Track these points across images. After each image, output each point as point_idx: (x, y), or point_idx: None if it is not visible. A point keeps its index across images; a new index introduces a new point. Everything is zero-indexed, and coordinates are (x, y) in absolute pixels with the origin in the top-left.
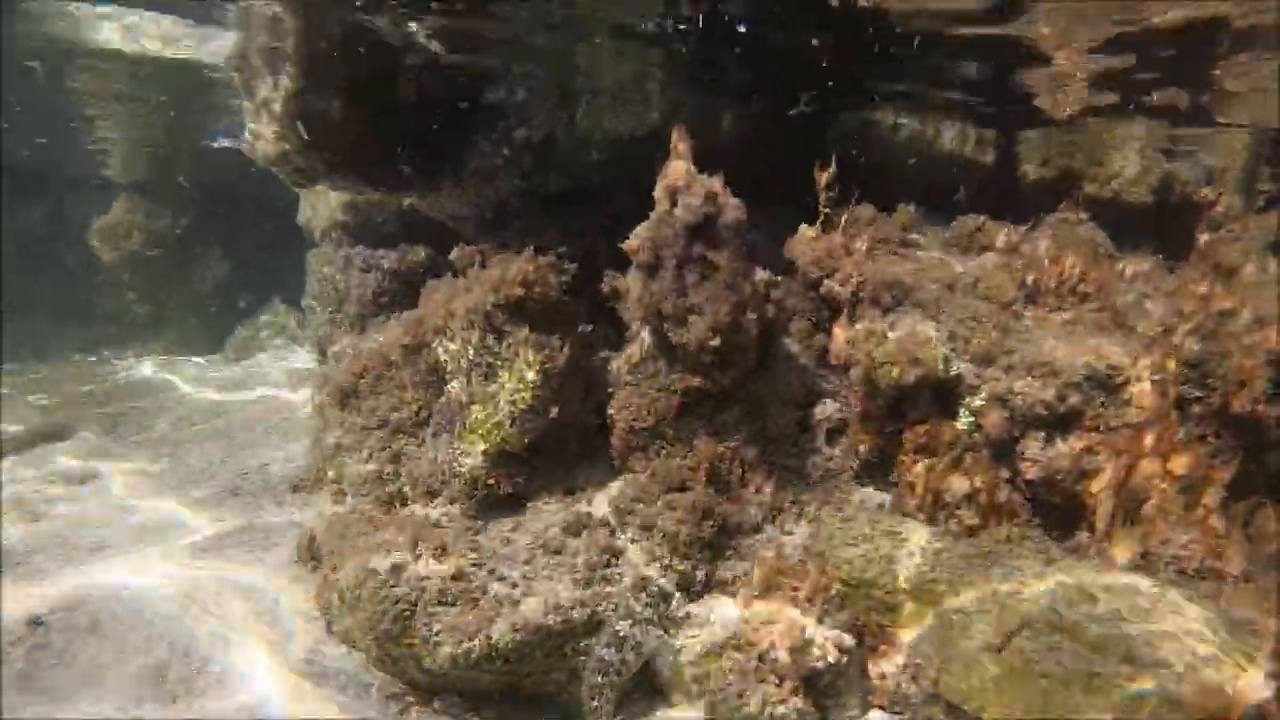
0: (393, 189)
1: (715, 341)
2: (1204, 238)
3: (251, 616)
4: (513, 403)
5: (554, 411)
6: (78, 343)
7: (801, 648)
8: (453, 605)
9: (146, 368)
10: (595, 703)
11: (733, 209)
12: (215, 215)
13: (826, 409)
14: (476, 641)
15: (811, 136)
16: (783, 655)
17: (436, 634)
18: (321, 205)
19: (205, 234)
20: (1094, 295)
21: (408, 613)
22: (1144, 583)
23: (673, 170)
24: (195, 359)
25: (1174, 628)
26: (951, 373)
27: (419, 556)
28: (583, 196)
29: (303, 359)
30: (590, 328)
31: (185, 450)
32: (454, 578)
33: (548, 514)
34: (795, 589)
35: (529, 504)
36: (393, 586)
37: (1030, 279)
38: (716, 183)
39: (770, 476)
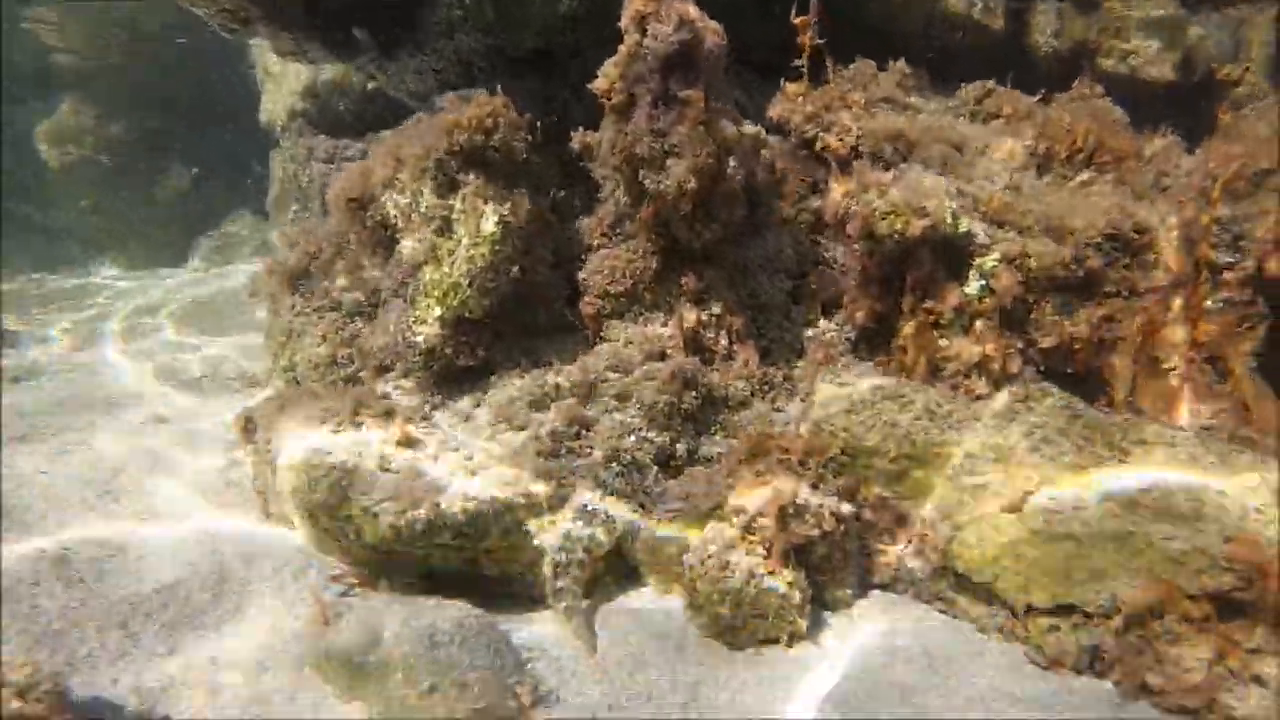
0: (346, 54)
1: (693, 184)
2: (1227, 118)
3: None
4: (470, 259)
5: (516, 270)
6: (31, 259)
7: (793, 514)
8: (397, 473)
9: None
10: (560, 583)
11: (711, 35)
12: (173, 120)
13: (822, 278)
14: (422, 510)
15: None
16: (771, 522)
17: (378, 503)
18: (280, 93)
19: (163, 141)
20: (1111, 166)
21: (345, 481)
22: (1183, 434)
23: None
24: (162, 271)
25: (1220, 482)
26: (960, 230)
27: (360, 424)
28: (554, 57)
29: None
30: (562, 193)
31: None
32: (400, 444)
33: (513, 388)
34: (786, 452)
35: (493, 378)
36: (328, 454)
37: (1043, 147)
38: (691, 7)
39: (759, 348)
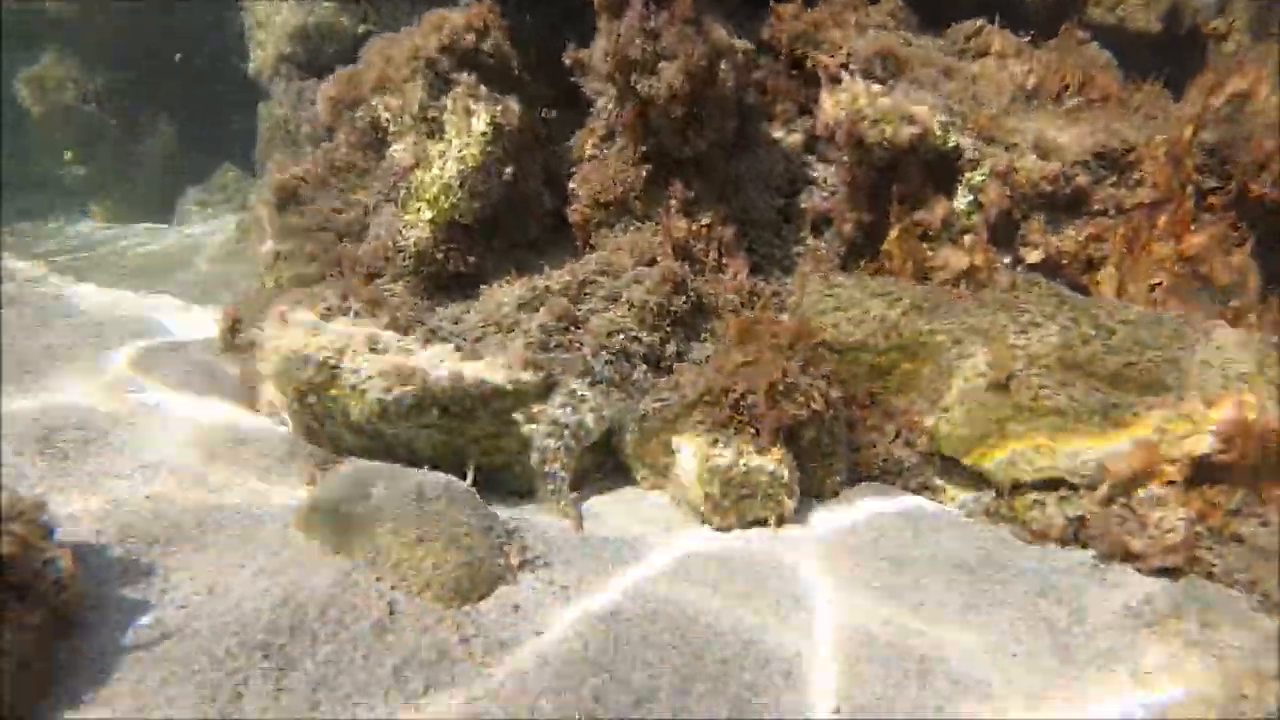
0: None
1: (685, 86)
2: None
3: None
4: (461, 159)
5: (508, 173)
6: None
7: (784, 391)
8: (385, 353)
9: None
10: (548, 468)
11: None
12: (159, 74)
13: (812, 199)
14: (410, 386)
15: None
16: (760, 400)
17: (366, 379)
18: (270, 41)
19: (149, 94)
20: (1099, 105)
21: (333, 361)
22: (1168, 315)
23: None
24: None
25: (1204, 353)
26: (949, 144)
27: (348, 310)
28: None
29: None
30: (554, 113)
31: None
32: (389, 326)
33: (503, 294)
34: (775, 336)
35: (484, 286)
36: (316, 335)
37: (1031, 83)
38: None
39: (749, 263)
